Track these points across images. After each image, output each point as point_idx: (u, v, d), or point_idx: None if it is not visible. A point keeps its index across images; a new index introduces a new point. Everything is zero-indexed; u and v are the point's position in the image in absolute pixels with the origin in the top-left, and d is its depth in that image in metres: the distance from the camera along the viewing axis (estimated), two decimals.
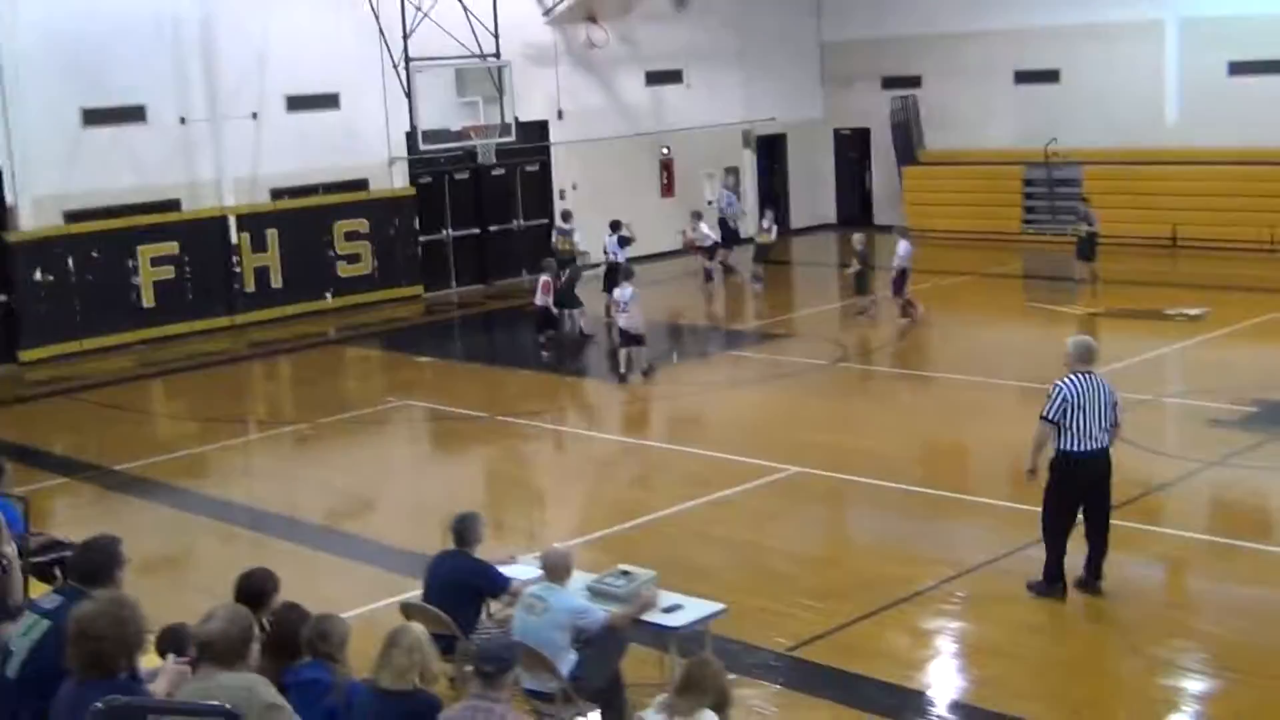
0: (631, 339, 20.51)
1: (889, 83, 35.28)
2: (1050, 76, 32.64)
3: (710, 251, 28.81)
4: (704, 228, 28.80)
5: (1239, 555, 12.62)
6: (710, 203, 31.88)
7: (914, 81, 34.88)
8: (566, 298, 23.62)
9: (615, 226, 26.45)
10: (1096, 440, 10.99)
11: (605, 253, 26.39)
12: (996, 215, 32.12)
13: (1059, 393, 10.97)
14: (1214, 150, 29.97)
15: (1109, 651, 10.66)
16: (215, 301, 26.40)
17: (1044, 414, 11.04)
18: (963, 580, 11.97)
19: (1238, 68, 29.80)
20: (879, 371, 20.96)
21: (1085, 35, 31.72)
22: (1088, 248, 25.98)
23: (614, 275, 24.00)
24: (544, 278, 23.15)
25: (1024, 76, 33.10)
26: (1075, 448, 10.94)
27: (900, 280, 23.42)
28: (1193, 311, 22.68)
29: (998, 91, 33.54)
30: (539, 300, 23.27)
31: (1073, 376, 11.07)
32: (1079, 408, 10.88)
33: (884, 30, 35.17)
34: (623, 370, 20.44)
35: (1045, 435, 11.10)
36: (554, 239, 28.03)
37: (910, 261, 23.49)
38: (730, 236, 30.51)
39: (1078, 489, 11.14)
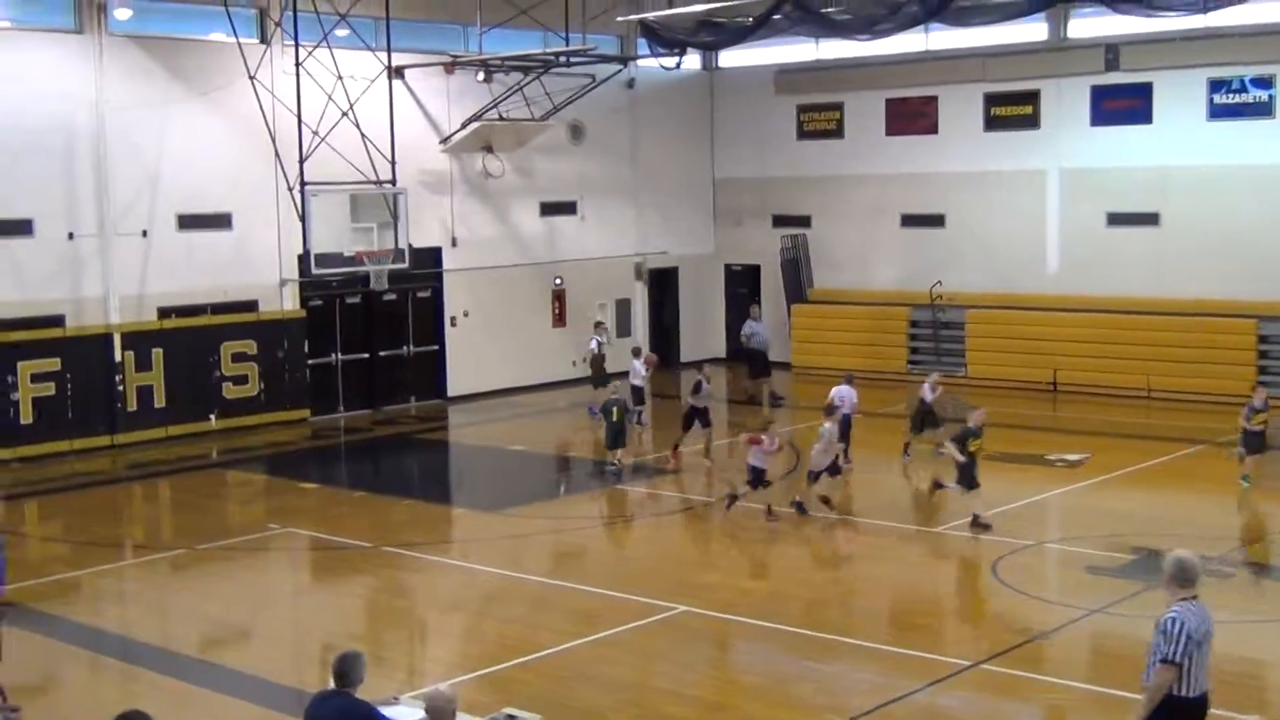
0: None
1: (779, 221, 35.89)
2: (936, 221, 33.41)
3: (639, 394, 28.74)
4: (637, 365, 28.38)
5: (1117, 705, 12.72)
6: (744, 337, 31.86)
7: (804, 221, 35.52)
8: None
9: (636, 353, 28.11)
10: (1203, 683, 9.14)
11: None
12: (882, 355, 32.53)
13: (1179, 628, 8.90)
14: (1093, 298, 30.78)
15: None
16: (96, 420, 25.87)
17: (1170, 657, 8.91)
18: None
19: (1116, 218, 30.76)
20: (761, 510, 20.94)
21: (971, 182, 32.63)
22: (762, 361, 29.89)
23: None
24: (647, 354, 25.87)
25: (910, 220, 33.83)
26: (1191, 693, 9.03)
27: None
28: (1073, 457, 23.13)
29: (885, 234, 34.23)
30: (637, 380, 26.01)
31: (1186, 605, 9.07)
32: (1198, 645, 8.95)
33: (775, 170, 35.91)
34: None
35: (1169, 682, 8.98)
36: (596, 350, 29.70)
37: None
38: (761, 364, 30.88)
39: None
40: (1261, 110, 28.94)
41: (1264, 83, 28.86)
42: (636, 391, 26.71)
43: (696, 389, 24.01)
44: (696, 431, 23.93)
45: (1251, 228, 28.81)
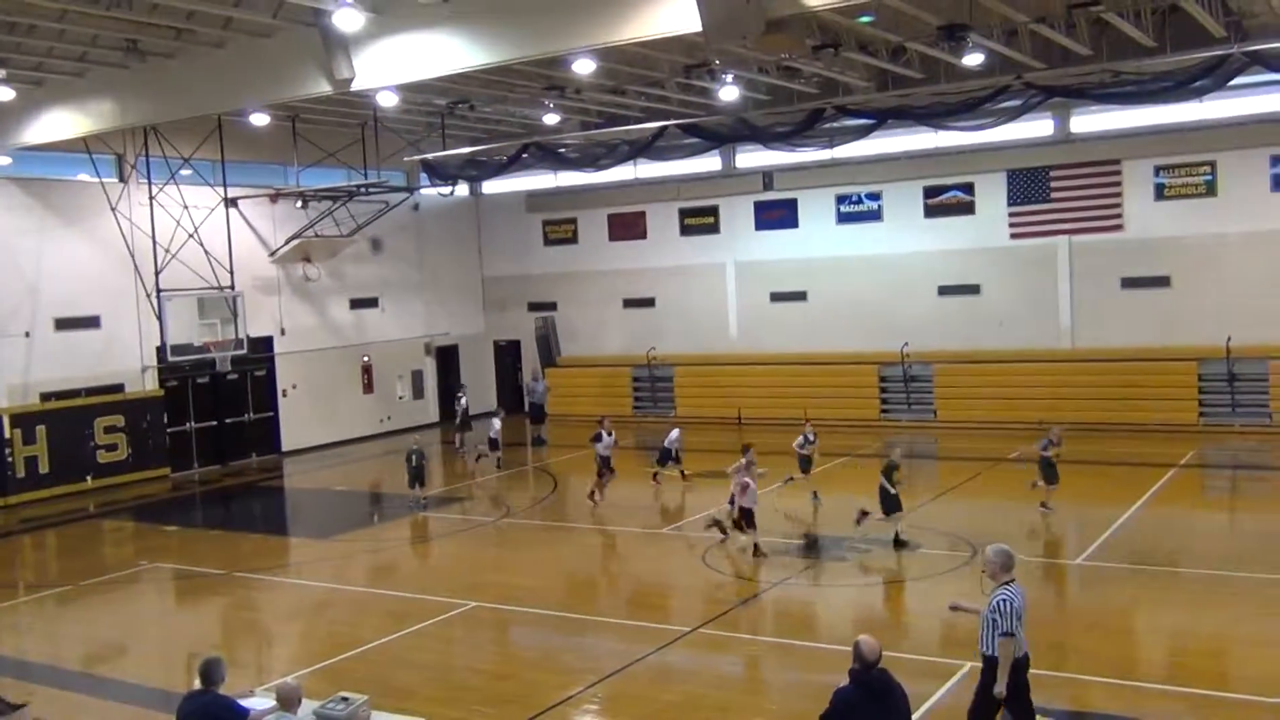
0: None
1: (533, 306, 36.01)
2: (649, 303, 34.04)
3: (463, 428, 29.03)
4: (463, 399, 29.72)
5: (800, 652, 13.09)
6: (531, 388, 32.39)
7: (551, 305, 35.73)
8: None
9: (495, 413, 28.12)
10: (1024, 645, 9.11)
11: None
12: (614, 404, 32.77)
13: (1010, 605, 8.85)
14: (763, 354, 31.81)
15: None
16: None
17: (1008, 630, 8.81)
18: (603, 684, 11.94)
19: (777, 296, 31.90)
20: (532, 524, 20.89)
21: (673, 273, 33.41)
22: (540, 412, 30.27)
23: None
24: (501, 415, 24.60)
25: (630, 302, 34.38)
26: (1020, 653, 8.99)
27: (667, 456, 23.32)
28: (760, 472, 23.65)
29: (611, 313, 34.70)
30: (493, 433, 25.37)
31: (1009, 587, 8.98)
32: (1019, 616, 8.92)
33: (528, 269, 36.09)
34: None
35: (1013, 648, 8.87)
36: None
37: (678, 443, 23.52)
38: (538, 413, 31.25)
39: (1028, 687, 9.18)
40: (874, 216, 30.51)
41: (874, 196, 30.45)
42: (492, 442, 25.94)
43: (596, 438, 22.08)
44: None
45: (871, 300, 30.29)
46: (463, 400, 29.88)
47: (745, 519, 17.11)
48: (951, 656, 12.20)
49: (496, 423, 26.46)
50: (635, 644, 13.19)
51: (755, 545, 17.01)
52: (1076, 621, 13.63)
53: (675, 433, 23.95)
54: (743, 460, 17.58)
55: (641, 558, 18.09)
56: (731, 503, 17.59)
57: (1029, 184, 28.46)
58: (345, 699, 9.29)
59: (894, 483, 17.16)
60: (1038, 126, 27.80)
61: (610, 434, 22.23)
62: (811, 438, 21.03)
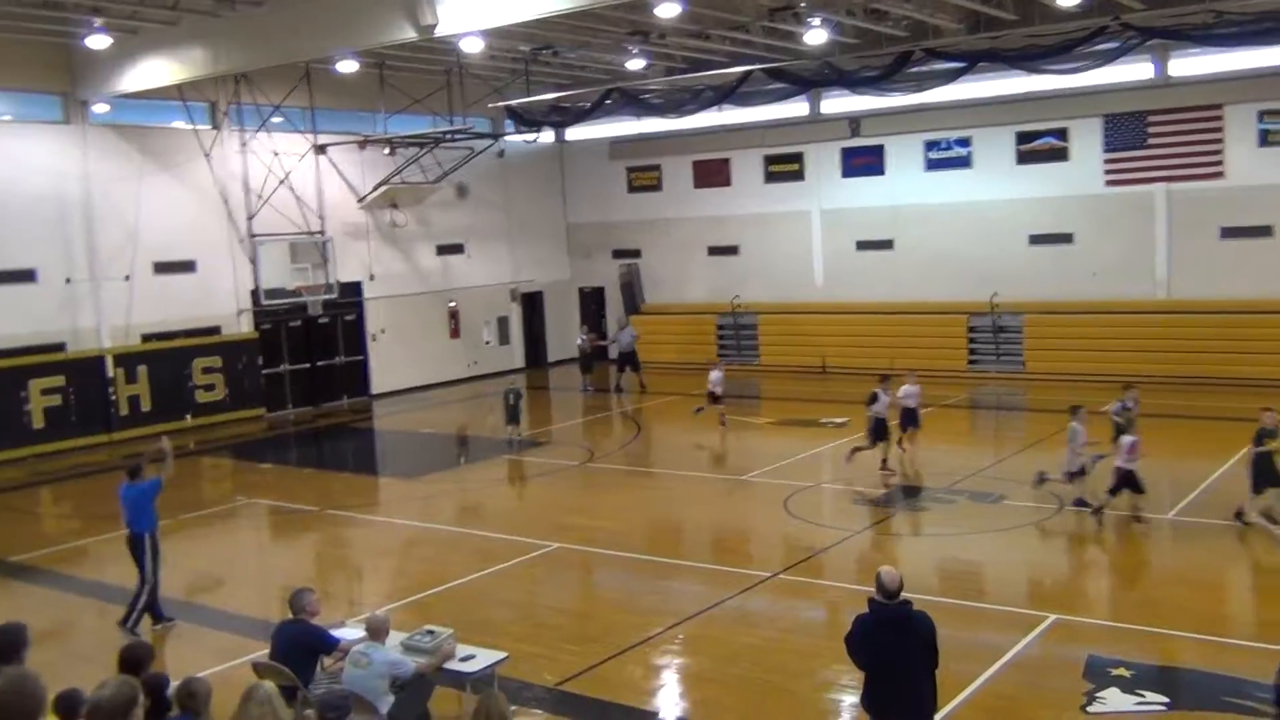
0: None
1: (617, 253, 36.02)
2: (732, 250, 33.85)
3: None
4: (625, 334, 30.35)
5: None
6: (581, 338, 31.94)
7: (635, 253, 35.70)
8: None
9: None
10: None
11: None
12: (697, 351, 32.89)
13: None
14: (848, 303, 31.48)
15: (790, 674, 10.82)
16: (95, 422, 24.98)
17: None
18: (683, 626, 12.03)
19: (862, 244, 31.48)
20: (616, 469, 21.07)
21: (756, 221, 33.14)
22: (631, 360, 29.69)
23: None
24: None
25: (714, 250, 34.23)
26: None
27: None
28: (838, 420, 23.59)
29: (695, 261, 34.58)
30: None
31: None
32: None
33: (612, 216, 36.05)
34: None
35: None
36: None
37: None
38: (631, 360, 30.47)
39: None
40: (963, 163, 29.88)
41: (964, 142, 29.80)
42: (712, 395, 23.72)
43: (873, 399, 18.78)
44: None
45: (960, 249, 29.73)
46: (581, 341, 30.82)
47: (1124, 482, 14.87)
48: (1035, 608, 12.09)
49: (716, 374, 23.90)
50: (716, 588, 13.25)
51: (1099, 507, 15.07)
52: (1167, 576, 13.39)
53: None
54: (1075, 423, 15.58)
55: (723, 503, 18.13)
56: (1074, 474, 15.72)
57: (1126, 129, 27.61)
58: (431, 632, 9.52)
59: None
60: (1135, 70, 26.85)
61: (888, 393, 18.90)
62: (1130, 404, 16.99)
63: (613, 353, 32.28)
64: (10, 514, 19.38)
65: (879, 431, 18.80)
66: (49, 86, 24.46)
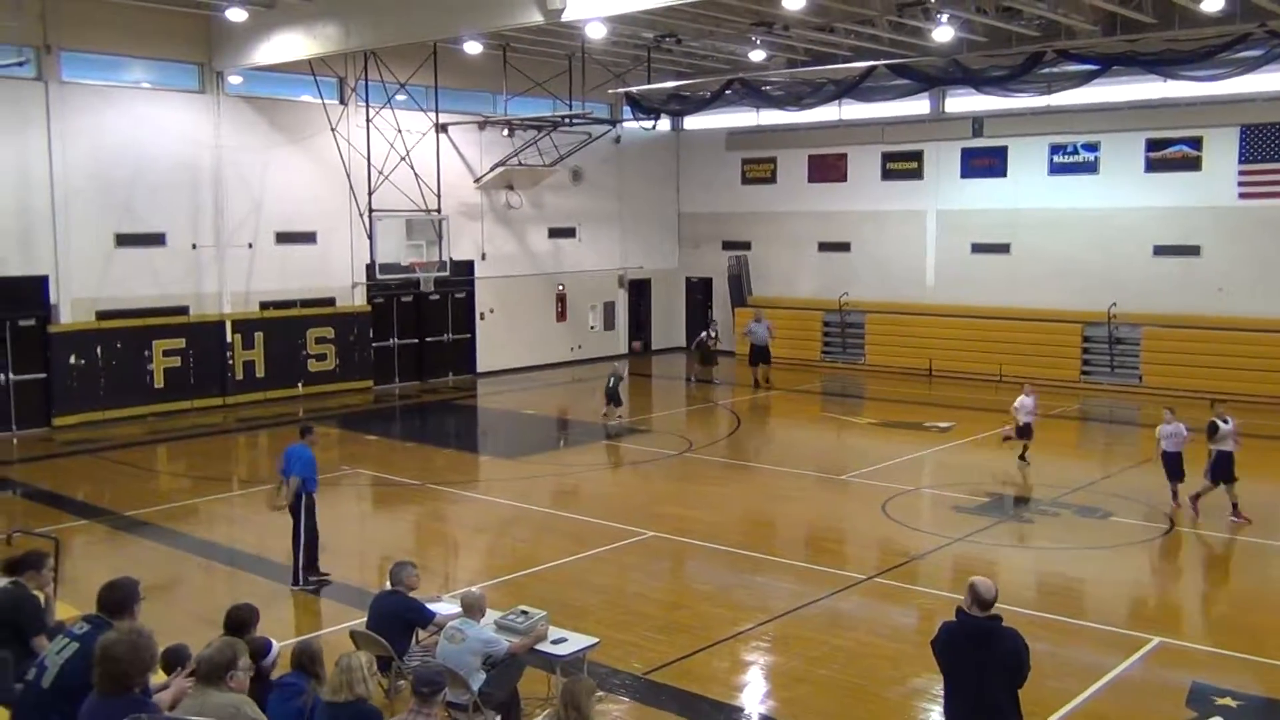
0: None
1: (727, 245, 35.88)
2: (844, 247, 33.47)
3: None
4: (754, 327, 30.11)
5: None
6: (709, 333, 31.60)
7: (745, 245, 35.52)
8: None
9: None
10: None
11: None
12: (803, 347, 32.67)
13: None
14: (960, 306, 30.89)
15: (880, 679, 10.71)
16: (211, 385, 25.80)
17: None
18: (773, 623, 11.99)
19: (978, 247, 30.86)
20: (714, 461, 21.05)
21: (871, 219, 32.70)
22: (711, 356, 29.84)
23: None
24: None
25: (825, 246, 33.88)
26: None
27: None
28: (943, 425, 23.26)
29: (806, 256, 34.27)
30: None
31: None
32: None
33: (724, 207, 35.93)
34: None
35: None
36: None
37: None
38: (762, 354, 29.76)
39: None
40: (1090, 169, 29.07)
41: (1092, 147, 29.00)
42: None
43: (1213, 430, 16.22)
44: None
45: (1080, 257, 28.97)
46: (707, 335, 31.00)
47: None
48: (1139, 629, 11.75)
49: (1028, 400, 20.06)
50: (809, 586, 13.18)
51: None
52: (1275, 604, 12.90)
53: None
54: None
55: (821, 502, 17.99)
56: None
57: (1264, 141, 26.54)
58: (525, 612, 9.63)
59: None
60: (1278, 79, 25.81)
61: (1227, 421, 16.33)
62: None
63: (741, 346, 31.74)
64: (127, 469, 20.13)
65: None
66: (188, 56, 25.26)
